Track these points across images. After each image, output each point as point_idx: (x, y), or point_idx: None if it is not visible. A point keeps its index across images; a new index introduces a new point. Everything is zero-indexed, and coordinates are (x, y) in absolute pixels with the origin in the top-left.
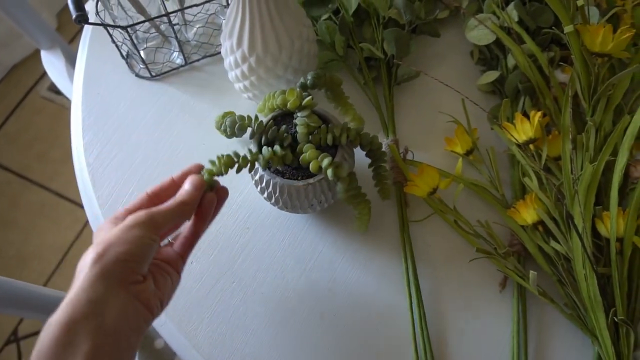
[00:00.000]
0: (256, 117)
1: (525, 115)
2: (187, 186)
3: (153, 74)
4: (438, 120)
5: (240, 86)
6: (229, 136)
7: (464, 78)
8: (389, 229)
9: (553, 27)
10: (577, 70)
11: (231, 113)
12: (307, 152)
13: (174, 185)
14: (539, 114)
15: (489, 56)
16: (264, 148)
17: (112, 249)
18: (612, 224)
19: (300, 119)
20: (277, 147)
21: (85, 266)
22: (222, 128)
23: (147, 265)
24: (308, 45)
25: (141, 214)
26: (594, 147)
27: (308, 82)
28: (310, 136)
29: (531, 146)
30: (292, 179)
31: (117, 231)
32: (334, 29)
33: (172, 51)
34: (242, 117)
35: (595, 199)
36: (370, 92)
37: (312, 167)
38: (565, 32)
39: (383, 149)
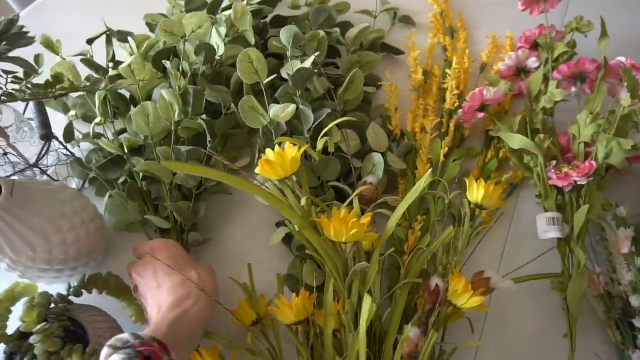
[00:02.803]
0: (2, 327)
1: None
2: None
3: None
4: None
5: (15, 274)
6: None
7: (270, 224)
8: None
9: (340, 179)
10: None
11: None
12: None
13: None
14: (302, 295)
15: None
16: None
17: None
18: None
19: (34, 342)
20: None
21: None
22: None
23: None
24: (75, 233)
25: None
26: (354, 329)
27: (70, 291)
28: (51, 357)
29: (299, 327)
30: None
31: None
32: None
33: None
34: None
35: None
36: None
37: None
38: (297, 230)
39: None
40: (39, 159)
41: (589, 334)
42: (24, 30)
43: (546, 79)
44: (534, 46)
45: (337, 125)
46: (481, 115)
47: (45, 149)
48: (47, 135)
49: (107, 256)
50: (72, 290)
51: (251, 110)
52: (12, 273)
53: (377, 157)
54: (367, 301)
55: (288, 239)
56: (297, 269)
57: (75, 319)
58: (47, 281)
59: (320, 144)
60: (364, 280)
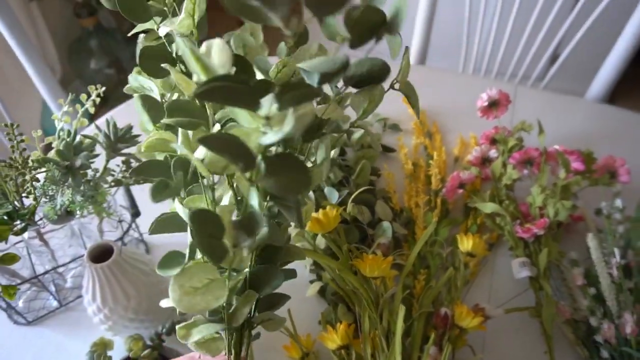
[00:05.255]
0: (105, 357)
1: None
2: None
3: (30, 319)
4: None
5: (103, 327)
6: None
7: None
8: None
9: (357, 243)
10: (360, 292)
11: (98, 345)
12: None
13: None
14: (344, 325)
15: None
16: None
17: None
18: None
19: None
20: None
21: None
22: None
23: None
24: (153, 289)
25: None
26: (387, 348)
27: (164, 330)
28: None
29: (342, 351)
30: None
31: None
32: None
33: (48, 297)
34: (97, 356)
35: None
36: None
37: None
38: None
39: None
40: (127, 230)
41: (564, 351)
42: (134, 134)
43: (504, 165)
44: (493, 142)
45: (353, 201)
46: (460, 191)
47: (132, 223)
48: (136, 213)
49: None
50: (165, 329)
51: None
52: (104, 325)
53: (386, 224)
54: (402, 310)
55: (321, 291)
56: (331, 315)
57: (163, 355)
58: (128, 332)
59: (349, 209)
60: (391, 310)
